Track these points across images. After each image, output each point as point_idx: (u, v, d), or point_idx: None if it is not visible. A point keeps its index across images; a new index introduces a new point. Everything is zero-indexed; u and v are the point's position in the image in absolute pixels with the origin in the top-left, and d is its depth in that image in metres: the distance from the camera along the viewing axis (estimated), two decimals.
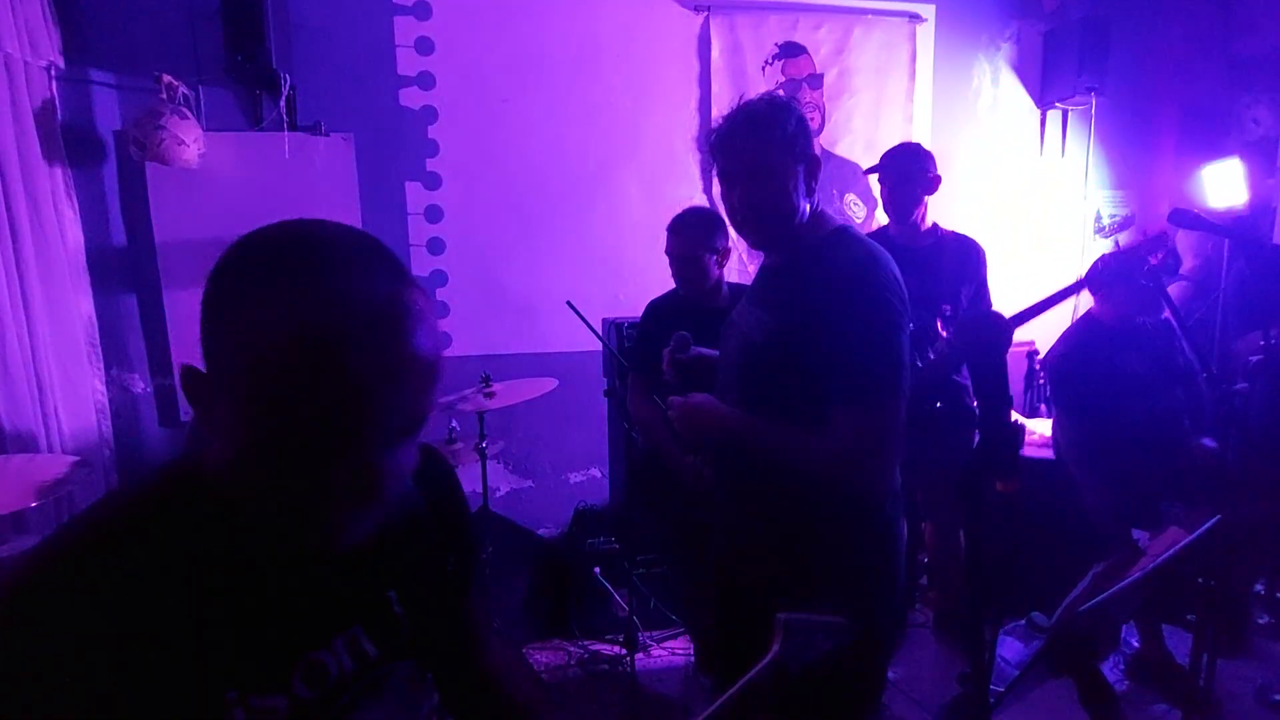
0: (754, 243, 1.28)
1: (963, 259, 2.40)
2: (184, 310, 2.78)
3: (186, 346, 2.79)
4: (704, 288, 2.10)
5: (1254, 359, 1.60)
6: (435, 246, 3.07)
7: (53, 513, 2.23)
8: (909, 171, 2.35)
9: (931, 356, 2.19)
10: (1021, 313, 2.08)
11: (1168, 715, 2.05)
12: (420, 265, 3.06)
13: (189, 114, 2.58)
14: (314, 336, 0.49)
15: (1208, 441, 2.28)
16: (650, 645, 2.59)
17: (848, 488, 1.14)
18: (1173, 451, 2.31)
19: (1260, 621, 2.67)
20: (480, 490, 2.59)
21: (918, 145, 2.48)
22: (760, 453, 1.19)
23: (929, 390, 2.26)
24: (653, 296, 2.28)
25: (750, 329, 1.24)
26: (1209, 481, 2.11)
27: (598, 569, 2.74)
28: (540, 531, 3.01)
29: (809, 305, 1.13)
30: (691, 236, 2.06)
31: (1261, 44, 3.31)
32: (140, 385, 2.85)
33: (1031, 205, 3.55)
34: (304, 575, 0.61)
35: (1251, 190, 3.08)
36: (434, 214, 3.05)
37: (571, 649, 2.63)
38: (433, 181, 3.03)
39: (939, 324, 2.24)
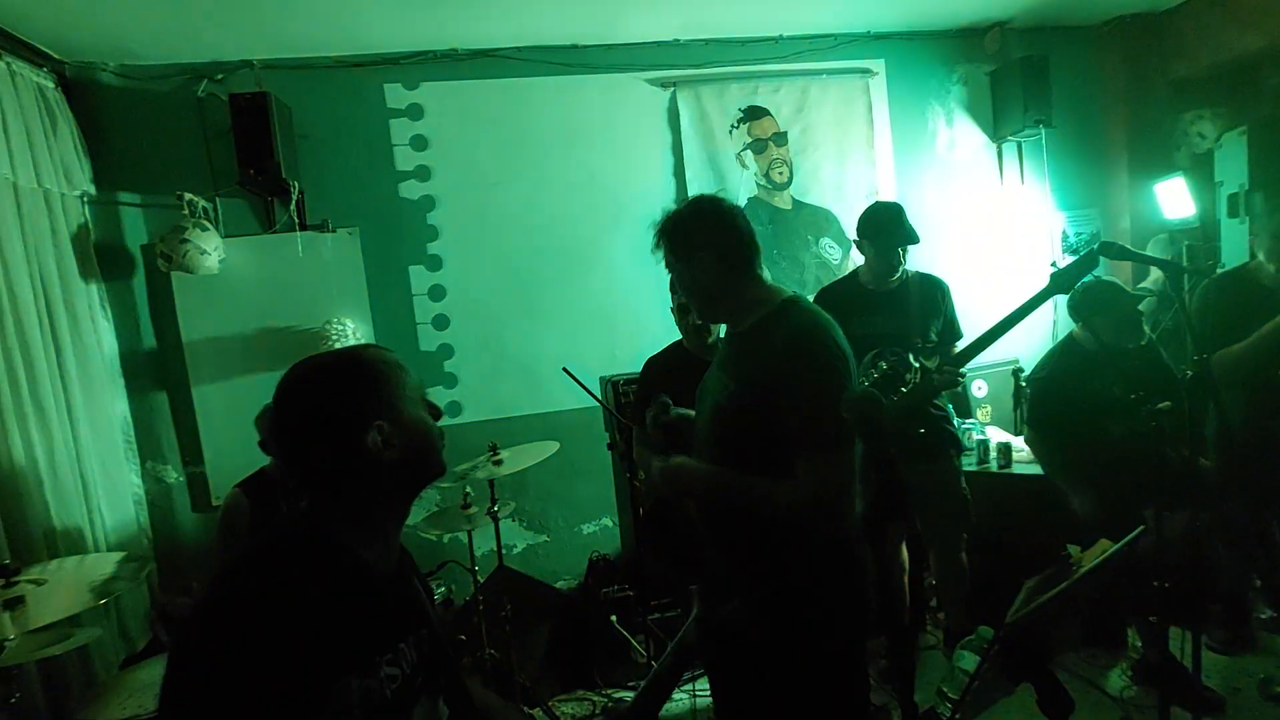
0: (701, 318, 1.47)
1: (930, 296, 2.54)
2: (212, 402, 2.98)
3: (216, 434, 2.99)
4: (707, 340, 2.25)
5: (1189, 374, 1.74)
6: (440, 323, 3.29)
7: (102, 608, 2.38)
8: (895, 234, 2.41)
9: (904, 390, 2.32)
10: (974, 343, 2.24)
11: (1174, 717, 2.11)
12: (428, 341, 3.27)
13: (209, 225, 2.83)
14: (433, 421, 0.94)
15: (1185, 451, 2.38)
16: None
17: (815, 526, 1.29)
18: (1151, 465, 2.42)
19: (1262, 617, 2.72)
20: (495, 550, 2.73)
21: (897, 207, 2.48)
22: (735, 503, 1.34)
23: (909, 419, 2.38)
24: (646, 352, 2.45)
25: (718, 393, 1.40)
26: (1183, 487, 2.22)
27: (615, 617, 2.85)
28: (558, 584, 3.12)
29: (764, 373, 1.29)
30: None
31: (1196, 65, 3.53)
32: (173, 475, 3.04)
33: (999, 232, 3.74)
34: (391, 584, 0.90)
35: (1200, 202, 3.26)
36: (437, 293, 3.28)
37: (595, 699, 2.71)
38: (435, 264, 3.26)
39: (911, 357, 2.39)
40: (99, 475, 2.68)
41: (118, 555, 2.18)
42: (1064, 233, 3.82)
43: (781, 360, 1.27)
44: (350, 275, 3.12)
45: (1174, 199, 3.34)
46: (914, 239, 2.43)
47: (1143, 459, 2.45)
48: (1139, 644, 2.54)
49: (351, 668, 0.79)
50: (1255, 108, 3.28)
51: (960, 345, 2.52)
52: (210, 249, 2.78)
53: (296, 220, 3.02)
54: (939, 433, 2.52)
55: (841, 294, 2.57)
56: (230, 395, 2.90)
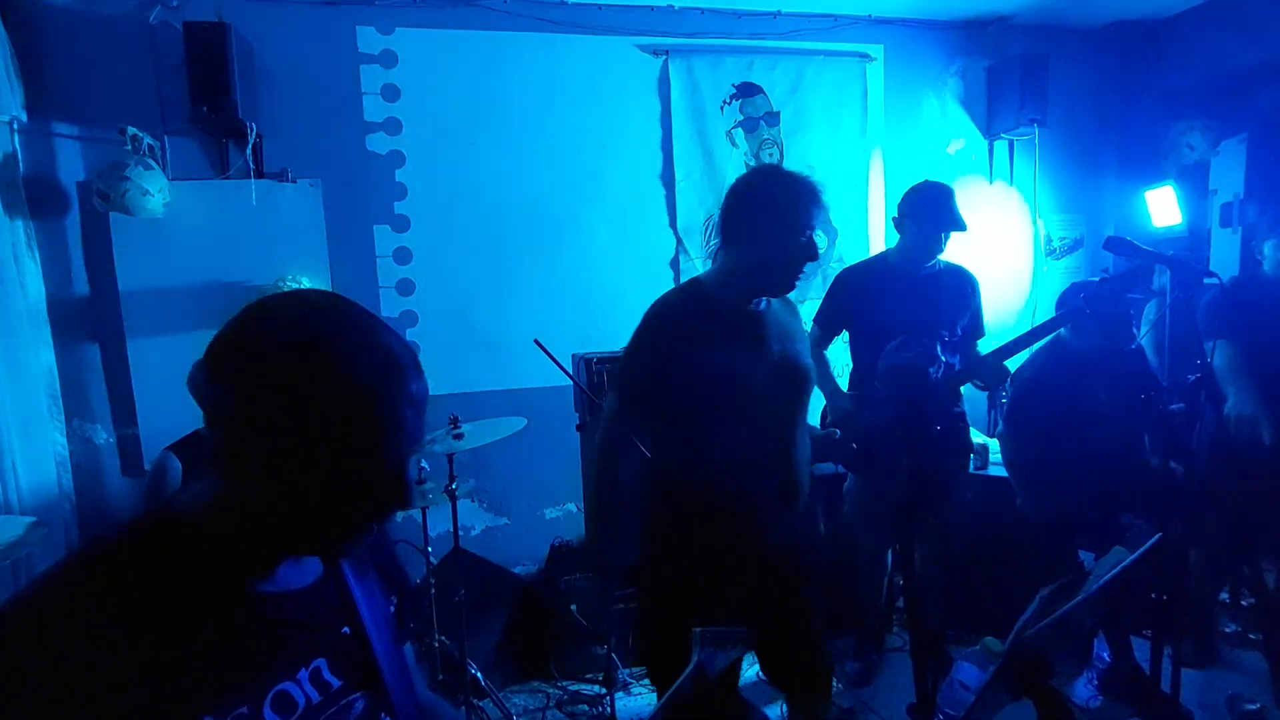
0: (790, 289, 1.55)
1: (959, 289, 2.44)
2: (149, 358, 2.75)
3: (151, 394, 2.76)
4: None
5: (1191, 378, 1.67)
6: (405, 288, 3.09)
7: (10, 575, 2.16)
8: (942, 217, 2.28)
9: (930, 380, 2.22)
10: (1001, 349, 2.16)
11: None
12: (390, 306, 3.08)
13: (154, 164, 2.59)
14: (370, 378, 0.63)
15: (1171, 464, 2.34)
16: (629, 683, 2.56)
17: None
18: (1132, 471, 2.38)
19: (1227, 630, 2.72)
20: (452, 530, 2.57)
21: (949, 189, 2.35)
22: None
23: (931, 414, 2.26)
24: (622, 330, 2.29)
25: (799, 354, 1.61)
26: (1164, 497, 2.18)
27: (574, 606, 2.72)
28: (517, 569, 2.98)
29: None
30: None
31: (1190, 76, 3.50)
32: (103, 436, 2.80)
33: (984, 230, 3.68)
34: (269, 611, 0.67)
35: (1188, 211, 3.23)
36: (403, 255, 3.08)
37: (550, 691, 2.59)
38: (401, 224, 3.06)
39: (938, 348, 2.30)
40: (16, 432, 2.45)
41: (28, 519, 1.97)
42: (1048, 236, 3.79)
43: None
44: (309, 230, 2.90)
45: (1163, 207, 3.31)
46: (961, 225, 2.31)
47: (1124, 465, 2.42)
48: (1104, 654, 2.50)
49: (193, 712, 0.58)
50: (1248, 120, 3.27)
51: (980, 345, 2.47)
52: (154, 190, 2.55)
53: (252, 166, 2.79)
54: (956, 433, 2.43)
55: (868, 276, 2.45)
56: (169, 352, 2.67)
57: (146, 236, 2.68)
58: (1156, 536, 1.14)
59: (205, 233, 2.76)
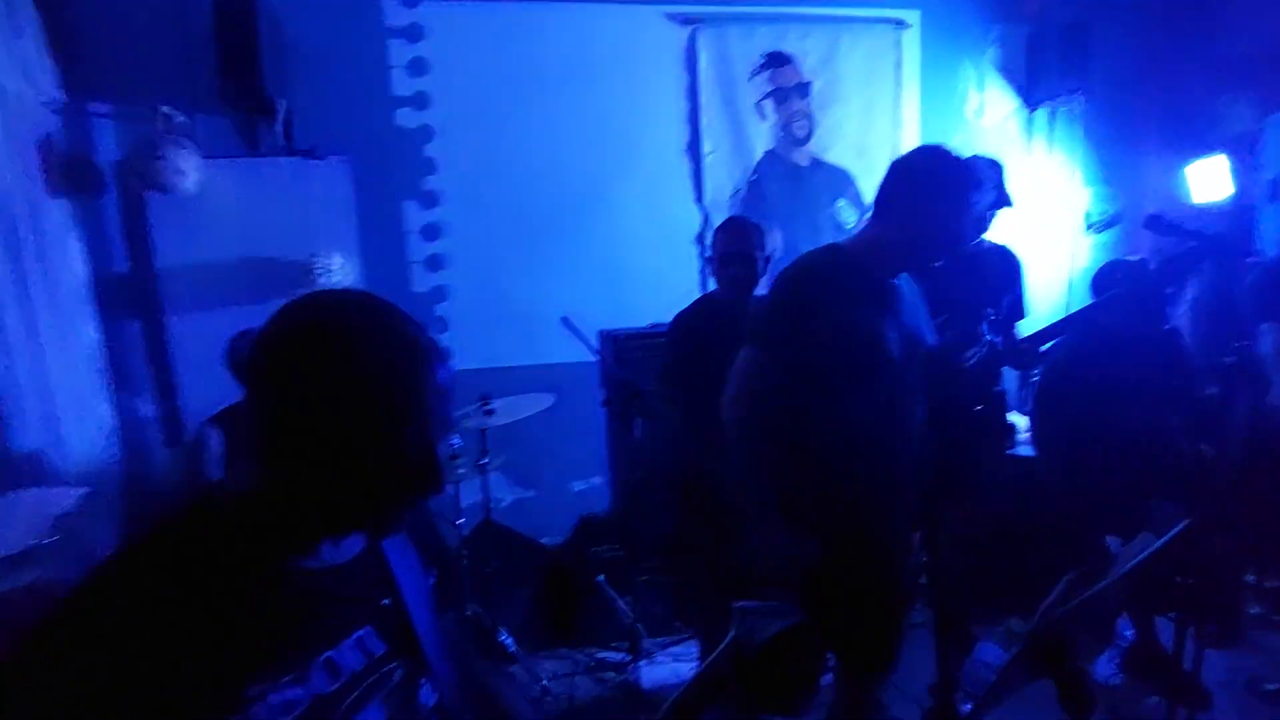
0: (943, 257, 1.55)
1: (1004, 268, 2.40)
2: (188, 333, 2.82)
3: (190, 369, 2.84)
4: (752, 290, 2.15)
5: (1228, 361, 1.65)
6: (434, 263, 3.12)
7: (61, 544, 2.27)
8: (993, 194, 2.23)
9: (971, 360, 2.22)
10: (1039, 333, 2.14)
11: (1160, 707, 2.09)
12: (421, 282, 3.11)
13: (187, 142, 2.62)
14: (398, 368, 0.68)
15: (1203, 446, 2.31)
16: (654, 651, 2.63)
17: None
18: (1161, 454, 2.36)
19: (1252, 612, 2.72)
20: (483, 503, 2.65)
21: (1000, 164, 2.32)
22: None
23: (970, 393, 2.27)
24: (652, 307, 2.33)
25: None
26: (1193, 481, 2.16)
27: (602, 577, 2.79)
28: (545, 541, 3.05)
29: None
30: (750, 238, 2.13)
31: (1239, 45, 3.35)
32: (146, 409, 2.90)
33: (1021, 204, 3.59)
34: (313, 586, 0.71)
35: (1234, 186, 3.12)
36: (432, 232, 3.10)
37: (578, 657, 2.68)
38: (430, 200, 3.07)
39: (984, 328, 2.28)
40: (66, 404, 2.54)
41: (81, 490, 2.07)
42: (1087, 211, 3.68)
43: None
44: (339, 207, 2.92)
45: (1208, 181, 3.19)
46: (1009, 201, 2.29)
47: (1153, 448, 2.39)
48: (1127, 633, 2.52)
49: (194, 709, 0.61)
50: None
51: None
52: (188, 169, 2.58)
53: (283, 143, 2.80)
54: (995, 414, 2.42)
55: None
56: (207, 328, 2.73)
57: (182, 215, 2.72)
58: (1183, 524, 1.14)
59: (238, 211, 2.80)
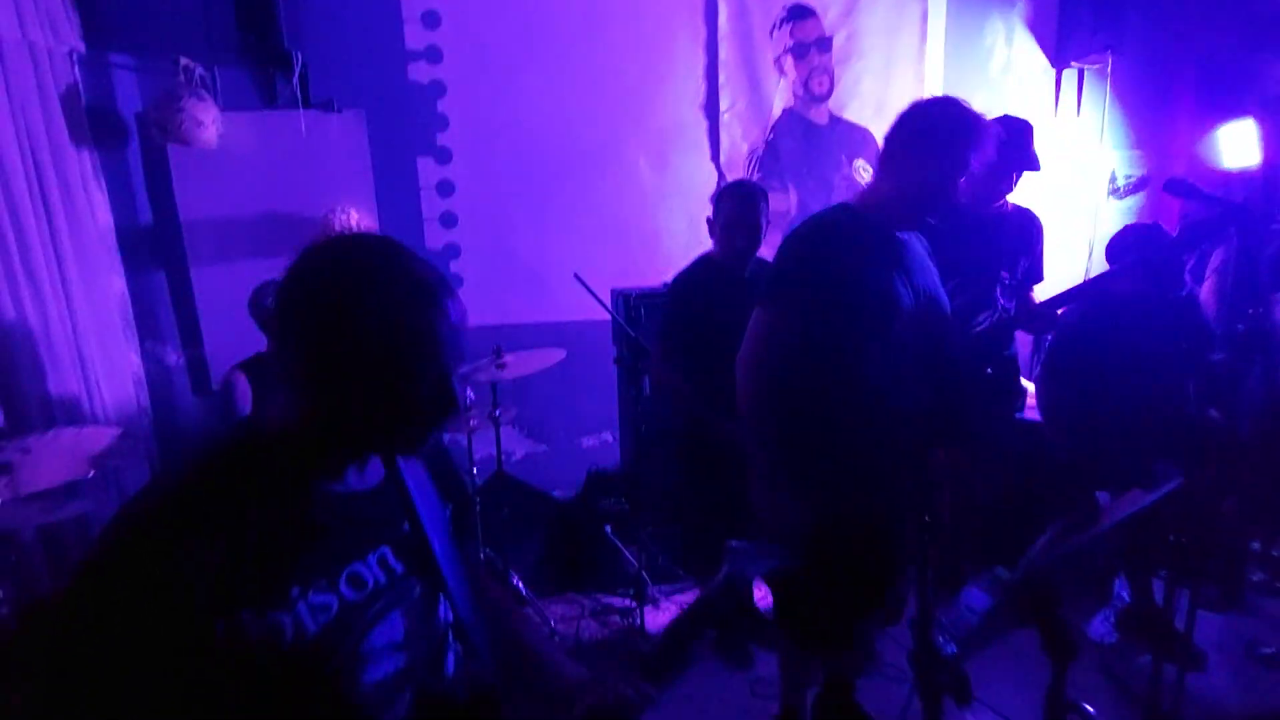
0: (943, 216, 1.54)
1: (1023, 231, 2.36)
2: (210, 285, 2.90)
3: (214, 318, 2.92)
4: (753, 254, 2.17)
5: (1241, 328, 1.63)
6: (448, 220, 3.15)
7: (100, 479, 2.39)
8: (1020, 156, 2.20)
9: (985, 323, 2.23)
10: (1055, 299, 2.13)
11: (1153, 666, 2.14)
12: (434, 238, 3.15)
13: (206, 95, 2.65)
14: (418, 299, 0.74)
15: (1211, 411, 2.30)
16: (659, 598, 2.73)
17: None
18: (1170, 419, 2.35)
19: (1254, 579, 2.73)
20: (495, 455, 2.73)
21: (1029, 125, 2.26)
22: None
23: (980, 356, 2.27)
24: (663, 266, 2.34)
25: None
26: (1201, 445, 2.16)
27: (609, 527, 2.88)
28: (555, 493, 3.14)
29: None
30: (755, 206, 2.14)
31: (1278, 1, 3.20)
32: (173, 357, 3.00)
33: (1046, 167, 3.51)
34: (341, 508, 0.79)
35: (1265, 150, 3.02)
36: (445, 189, 3.12)
37: (585, 601, 2.78)
38: (443, 156, 3.08)
39: (997, 291, 2.28)
40: (97, 351, 2.64)
41: (115, 430, 2.16)
42: (1112, 173, 3.59)
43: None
44: (355, 162, 2.95)
45: (1239, 145, 3.10)
46: (1036, 165, 2.25)
47: (1162, 413, 2.38)
48: (1123, 594, 2.55)
49: (247, 600, 0.68)
50: None
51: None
52: (208, 121, 2.62)
53: (299, 96, 2.82)
54: (1007, 379, 2.43)
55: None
56: (229, 279, 2.81)
57: (203, 168, 2.77)
58: (1175, 482, 1.16)
59: (258, 164, 2.84)
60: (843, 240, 1.54)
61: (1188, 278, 2.42)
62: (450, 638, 0.90)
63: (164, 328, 2.96)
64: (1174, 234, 2.07)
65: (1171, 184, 1.75)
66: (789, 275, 1.59)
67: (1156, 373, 2.32)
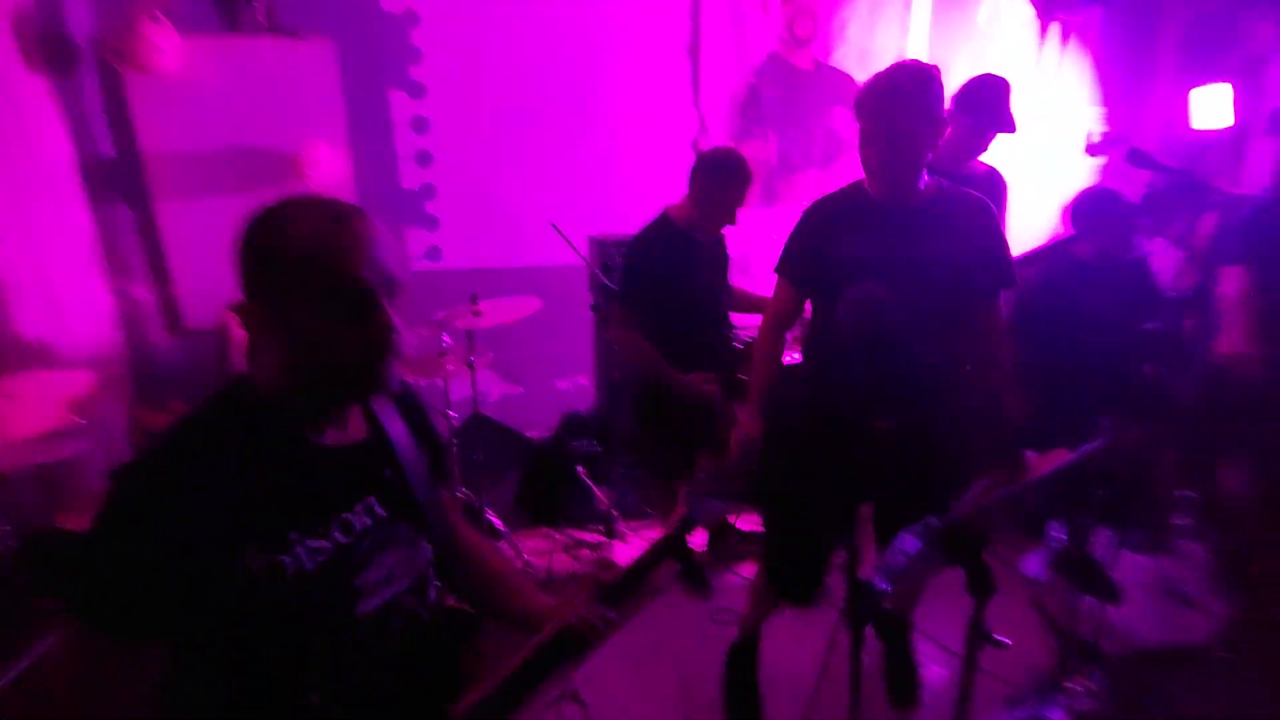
0: (897, 184, 1.56)
1: (987, 192, 2.40)
2: (178, 220, 2.84)
3: (184, 256, 2.88)
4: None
5: (1183, 296, 1.73)
6: (423, 159, 3.09)
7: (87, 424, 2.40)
8: (998, 116, 2.20)
9: None
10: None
11: (1078, 601, 2.35)
12: (410, 178, 3.09)
13: (162, 18, 2.53)
14: (364, 245, 0.80)
15: (1152, 370, 2.43)
16: (627, 534, 2.87)
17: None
18: (1115, 378, 2.48)
19: (1180, 524, 2.95)
20: (472, 398, 2.79)
21: (1007, 83, 2.25)
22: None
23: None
24: (640, 213, 2.35)
25: (931, 257, 1.55)
26: (1145, 404, 2.29)
27: (581, 468, 2.99)
28: (529, 433, 3.23)
29: (982, 234, 1.59)
30: (743, 191, 2.16)
31: None
32: (142, 294, 2.96)
33: (1025, 121, 3.52)
34: (329, 460, 0.87)
35: (1240, 113, 3.06)
36: (420, 125, 3.04)
37: (557, 536, 2.92)
38: (417, 90, 3.00)
39: None
40: (65, 287, 2.60)
41: (92, 374, 2.17)
42: (1089, 131, 3.62)
43: (989, 224, 1.61)
44: (325, 93, 2.85)
45: (1211, 108, 3.13)
46: (1012, 127, 2.25)
47: (1107, 372, 2.51)
48: (1058, 535, 2.75)
49: (252, 543, 0.78)
50: None
51: None
52: (166, 46, 2.50)
53: (264, 21, 2.70)
54: None
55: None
56: (197, 215, 2.76)
57: (164, 97, 2.66)
58: (1098, 443, 1.26)
59: (222, 94, 2.74)
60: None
61: (1143, 241, 2.50)
62: (431, 573, 0.98)
63: (132, 264, 2.91)
64: (1137, 198, 2.12)
65: (1134, 154, 1.80)
66: (790, 242, 1.75)
67: (1104, 331, 2.43)
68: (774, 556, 1.95)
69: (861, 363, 1.26)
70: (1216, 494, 2.76)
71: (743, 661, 2.04)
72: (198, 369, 2.94)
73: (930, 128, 1.51)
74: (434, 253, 3.17)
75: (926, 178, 1.60)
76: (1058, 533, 2.75)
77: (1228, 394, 2.12)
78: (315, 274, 0.77)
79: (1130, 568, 2.67)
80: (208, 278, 2.36)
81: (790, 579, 1.89)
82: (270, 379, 0.83)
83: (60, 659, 1.42)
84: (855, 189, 1.65)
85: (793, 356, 2.52)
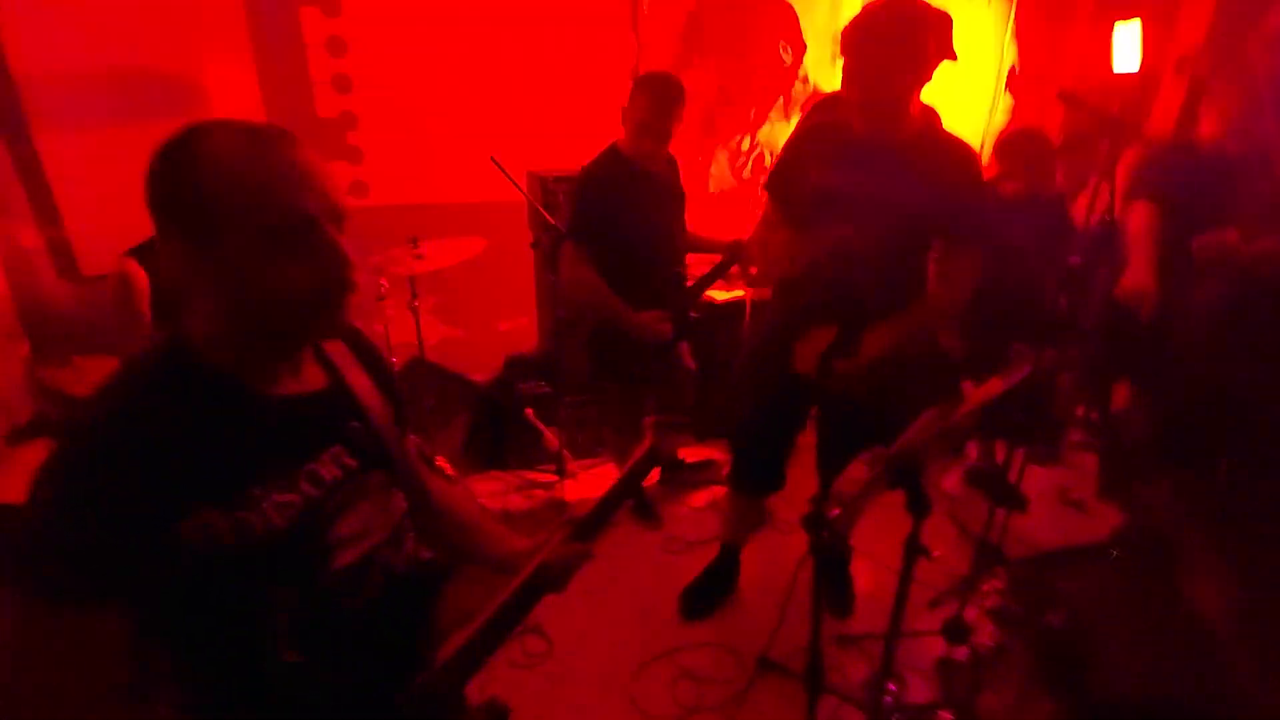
0: (876, 119, 1.56)
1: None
2: (64, 154, 2.54)
3: (76, 193, 2.60)
4: (661, 152, 2.19)
5: (1095, 230, 1.87)
6: (341, 84, 2.86)
7: None
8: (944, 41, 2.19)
9: None
10: None
11: (989, 512, 2.61)
12: (326, 105, 2.86)
13: None
14: (300, 171, 0.73)
15: (1061, 301, 2.62)
16: (578, 472, 2.94)
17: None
18: (1031, 309, 2.67)
19: (1074, 440, 3.29)
20: (416, 341, 2.72)
21: (947, 13, 2.26)
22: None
23: None
24: (581, 149, 2.29)
25: (905, 190, 1.54)
26: (1051, 332, 2.49)
27: (529, 409, 3.00)
28: (473, 376, 3.19)
29: (958, 172, 1.60)
30: (670, 109, 2.07)
31: None
32: (30, 237, 2.66)
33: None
34: (290, 410, 0.81)
35: (1148, 56, 3.22)
36: (337, 46, 2.80)
37: (508, 478, 2.95)
38: (332, 8, 2.74)
39: None
40: None
41: None
42: (1013, 67, 3.73)
43: (967, 163, 1.59)
44: (225, 9, 2.57)
45: (1125, 48, 3.28)
46: (953, 55, 2.25)
47: (1025, 303, 2.71)
48: (971, 453, 3.02)
49: (208, 502, 0.72)
50: None
51: None
52: None
53: None
54: None
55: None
56: (88, 148, 2.47)
57: (36, 8, 2.33)
58: (1025, 369, 1.39)
59: (105, 7, 2.41)
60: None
61: (1061, 179, 2.66)
62: (407, 523, 0.98)
63: (14, 203, 2.60)
64: (1056, 138, 2.24)
65: (1063, 94, 1.88)
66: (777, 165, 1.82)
67: (1025, 265, 2.60)
68: (740, 451, 2.09)
69: (827, 309, 1.31)
70: (1109, 413, 3.09)
71: (724, 566, 2.24)
72: (100, 319, 2.70)
73: (914, 67, 1.49)
74: (359, 188, 2.98)
75: (914, 116, 1.59)
76: (970, 450, 3.02)
77: (1127, 324, 2.33)
78: (251, 208, 0.69)
79: (1030, 479, 2.98)
80: (105, 218, 2.13)
81: (749, 470, 2.04)
82: (207, 329, 0.76)
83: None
84: (845, 122, 1.63)
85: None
